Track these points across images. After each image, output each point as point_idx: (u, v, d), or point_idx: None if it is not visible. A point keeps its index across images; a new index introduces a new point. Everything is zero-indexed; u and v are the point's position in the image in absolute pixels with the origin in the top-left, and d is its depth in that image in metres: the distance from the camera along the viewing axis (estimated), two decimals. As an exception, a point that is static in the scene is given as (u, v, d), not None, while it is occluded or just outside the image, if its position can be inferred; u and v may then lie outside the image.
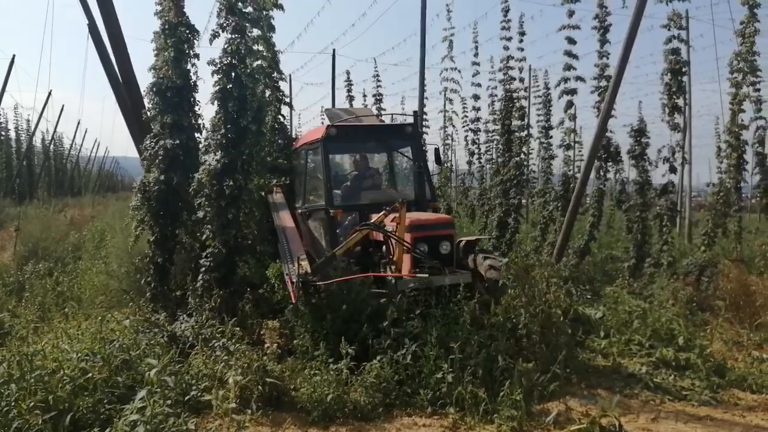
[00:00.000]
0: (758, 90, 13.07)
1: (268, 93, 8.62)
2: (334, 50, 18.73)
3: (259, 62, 7.82)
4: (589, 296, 8.07)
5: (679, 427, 5.02)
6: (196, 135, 8.31)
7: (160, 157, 7.75)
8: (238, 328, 6.25)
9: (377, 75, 19.53)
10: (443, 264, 6.94)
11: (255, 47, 7.56)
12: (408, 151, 9.10)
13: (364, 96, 22.04)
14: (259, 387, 5.12)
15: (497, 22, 14.61)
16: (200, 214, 7.44)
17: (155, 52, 8.25)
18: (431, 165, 9.60)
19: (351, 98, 20.07)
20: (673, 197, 10.74)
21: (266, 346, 6.00)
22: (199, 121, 8.31)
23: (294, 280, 6.46)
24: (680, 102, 9.84)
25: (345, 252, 6.91)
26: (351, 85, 19.65)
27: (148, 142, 7.98)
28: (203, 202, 7.43)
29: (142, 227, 8.07)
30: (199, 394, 4.95)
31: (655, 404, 5.50)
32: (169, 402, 4.23)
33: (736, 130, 10.77)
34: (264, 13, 8.49)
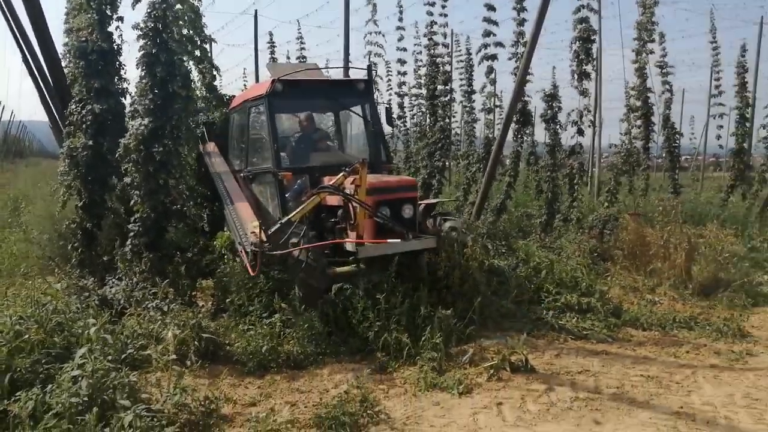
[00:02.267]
0: (664, 56, 14.10)
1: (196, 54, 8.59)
2: (256, 11, 18.42)
3: (185, 30, 7.76)
4: (503, 251, 8.65)
5: (579, 360, 5.66)
6: (122, 100, 8.28)
7: (88, 122, 7.68)
8: (171, 290, 6.45)
9: (301, 37, 19.47)
10: (406, 228, 6.56)
11: (177, 6, 7.49)
12: (361, 109, 8.37)
13: (288, 58, 21.93)
14: (196, 342, 5.39)
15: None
16: (128, 179, 7.46)
17: (69, 11, 8.10)
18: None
19: (274, 60, 19.98)
20: (581, 158, 11.51)
21: (200, 305, 6.22)
22: (125, 86, 8.27)
23: (248, 250, 6.17)
24: (589, 68, 10.47)
25: (300, 218, 6.32)
26: (274, 47, 19.49)
27: (73, 106, 7.87)
28: (130, 167, 7.45)
29: (69, 193, 8.02)
30: (136, 351, 5.20)
31: (559, 343, 6.16)
32: (108, 358, 4.44)
33: (645, 94, 11.62)
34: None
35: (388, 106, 8.82)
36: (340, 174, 6.30)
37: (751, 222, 12.10)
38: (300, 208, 6.25)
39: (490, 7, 12.37)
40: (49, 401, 4.02)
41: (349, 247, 6.42)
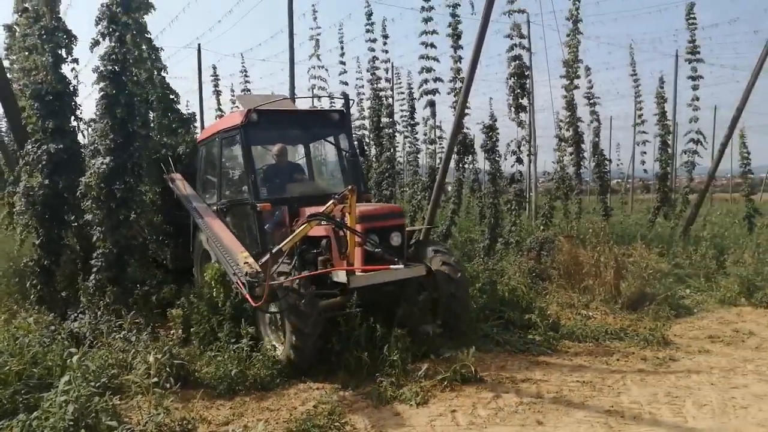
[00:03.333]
0: (590, 87, 15.23)
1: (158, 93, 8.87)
2: (199, 45, 18.81)
3: (146, 70, 8.12)
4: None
5: (522, 370, 6.23)
6: (78, 139, 8.51)
7: (44, 162, 7.88)
8: (140, 320, 6.71)
9: (245, 70, 19.94)
10: (395, 256, 6.40)
11: (138, 53, 7.85)
12: (340, 139, 8.30)
13: (232, 91, 22.32)
14: (167, 369, 5.69)
15: (361, 22, 15.65)
16: (89, 216, 7.68)
17: (19, 50, 8.36)
18: None
19: (218, 93, 20.32)
20: (521, 185, 12.32)
21: (171, 332, 6.51)
22: (81, 125, 8.53)
23: (243, 281, 5.96)
24: (524, 102, 11.32)
25: (290, 248, 6.07)
26: (218, 79, 19.91)
27: (29, 146, 8.06)
28: (90, 205, 7.66)
29: (27, 231, 8.15)
30: (109, 380, 5.46)
31: (504, 356, 6.73)
32: (92, 385, 4.72)
33: (575, 124, 12.54)
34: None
35: (359, 138, 8.78)
36: (330, 202, 6.02)
37: (675, 241, 13.14)
38: (290, 237, 5.98)
39: (429, 45, 13.16)
40: (35, 426, 4.29)
41: (339, 277, 6.26)
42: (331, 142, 8.39)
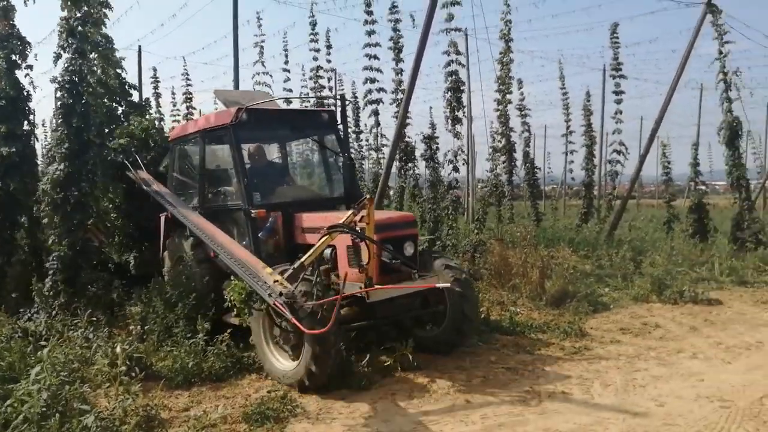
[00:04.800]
0: (522, 100, 16.24)
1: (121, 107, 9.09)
2: (140, 47, 18.80)
3: (101, 79, 8.43)
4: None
5: (455, 360, 6.90)
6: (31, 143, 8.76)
7: None
8: (95, 318, 7.06)
9: (187, 73, 19.95)
10: (409, 267, 6.24)
11: (96, 63, 8.18)
12: (329, 140, 8.03)
13: (173, 93, 22.31)
14: (127, 361, 6.10)
15: (304, 30, 16.13)
16: (45, 220, 7.95)
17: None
18: None
19: (158, 95, 20.26)
20: (457, 192, 13.12)
21: (130, 328, 6.90)
22: (35, 130, 8.77)
23: (278, 303, 5.43)
24: (460, 114, 12.10)
25: (312, 261, 5.76)
26: (158, 81, 19.84)
27: None
28: (46, 209, 7.94)
29: (-22, 232, 8.36)
30: (73, 372, 5.83)
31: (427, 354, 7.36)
32: (62, 375, 5.11)
33: (508, 134, 13.43)
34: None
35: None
36: (350, 212, 5.78)
37: (599, 244, 14.20)
38: (312, 250, 5.71)
39: (372, 57, 13.81)
40: (9, 413, 4.67)
41: (355, 290, 5.88)
42: (320, 143, 8.11)
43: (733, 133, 15.17)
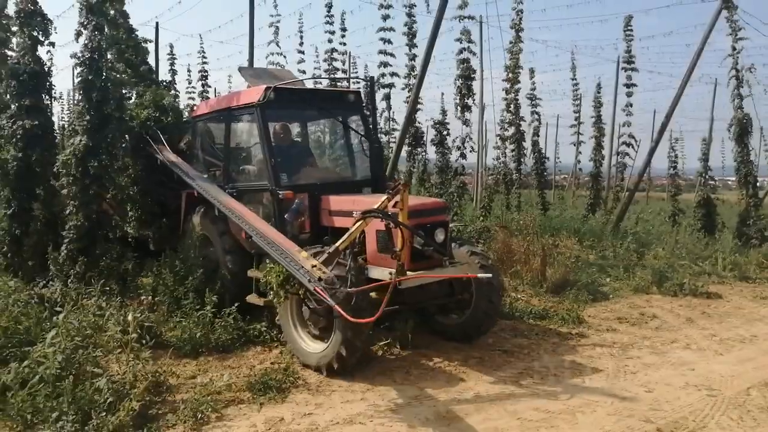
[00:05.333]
0: (533, 89, 16.31)
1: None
2: (157, 23, 18.97)
3: (123, 53, 8.58)
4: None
5: (453, 343, 7.09)
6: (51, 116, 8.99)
7: (18, 136, 8.35)
8: (108, 288, 7.32)
9: (203, 51, 20.13)
10: (441, 254, 6.16)
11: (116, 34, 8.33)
12: (354, 121, 7.95)
13: (189, 71, 22.50)
14: (138, 330, 6.36)
15: (320, 11, 16.21)
16: (64, 191, 8.19)
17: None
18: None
19: (174, 72, 20.47)
20: (465, 178, 13.27)
21: (141, 298, 7.16)
22: (54, 104, 9.00)
23: (317, 289, 5.26)
24: (470, 102, 12.23)
25: (347, 246, 5.62)
26: (174, 59, 20.03)
27: (4, 121, 8.51)
28: (67, 180, 8.17)
29: (-1, 202, 8.62)
30: (86, 339, 6.10)
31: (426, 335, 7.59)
32: (76, 340, 5.38)
33: (518, 122, 13.55)
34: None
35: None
36: (384, 197, 5.69)
37: (605, 235, 14.33)
38: (347, 235, 5.60)
39: (386, 41, 13.93)
40: (27, 373, 4.94)
41: (384, 276, 5.85)
42: (346, 124, 8.03)
43: (742, 130, 15.20)
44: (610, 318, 8.57)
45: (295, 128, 8.57)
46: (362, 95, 7.93)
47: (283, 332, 6.45)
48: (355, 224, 5.64)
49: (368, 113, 7.88)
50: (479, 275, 5.70)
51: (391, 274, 5.70)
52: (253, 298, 7.13)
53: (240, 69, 8.83)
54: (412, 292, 6.03)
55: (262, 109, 6.90)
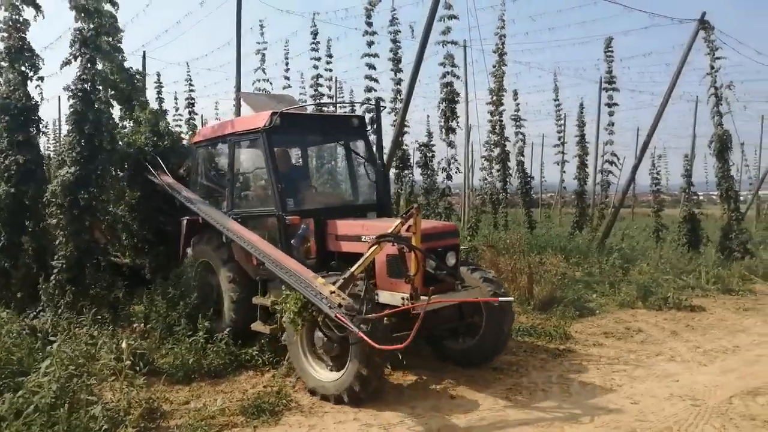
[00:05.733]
0: (517, 110, 16.63)
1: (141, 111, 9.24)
2: (144, 52, 19.18)
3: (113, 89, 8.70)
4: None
5: (441, 362, 7.21)
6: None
7: (11, 172, 8.43)
8: (100, 317, 7.37)
9: (190, 79, 20.31)
10: (452, 278, 6.19)
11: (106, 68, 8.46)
12: (358, 146, 7.96)
13: (176, 99, 22.70)
14: (131, 357, 6.42)
15: (306, 38, 16.46)
16: (53, 221, 8.26)
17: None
18: None
19: (161, 100, 20.62)
20: (451, 199, 13.47)
21: (134, 326, 7.22)
22: (43, 138, 9.10)
23: (337, 316, 5.28)
24: (454, 124, 12.47)
25: (362, 271, 5.73)
26: (161, 87, 20.23)
27: None
28: (55, 210, 8.25)
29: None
30: (80, 367, 6.14)
31: (428, 350, 7.71)
32: (70, 369, 5.44)
33: (502, 143, 13.80)
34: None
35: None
36: (398, 221, 5.76)
37: (591, 252, 14.53)
38: (361, 260, 5.65)
39: (372, 66, 14.19)
40: (21, 403, 4.99)
41: (396, 301, 5.87)
42: (350, 149, 8.01)
43: (723, 146, 15.59)
44: (597, 333, 8.72)
45: (294, 152, 8.56)
46: (365, 120, 7.93)
47: (292, 361, 6.31)
48: (369, 249, 5.68)
49: (374, 136, 7.91)
50: (501, 298, 5.87)
51: (403, 299, 5.74)
52: (258, 326, 7.10)
53: (242, 94, 8.84)
54: (426, 317, 5.71)
55: (268, 134, 6.88)
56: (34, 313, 8.14)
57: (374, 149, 7.81)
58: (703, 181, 28.73)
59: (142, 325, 7.26)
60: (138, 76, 9.31)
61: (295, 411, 5.71)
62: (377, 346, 5.08)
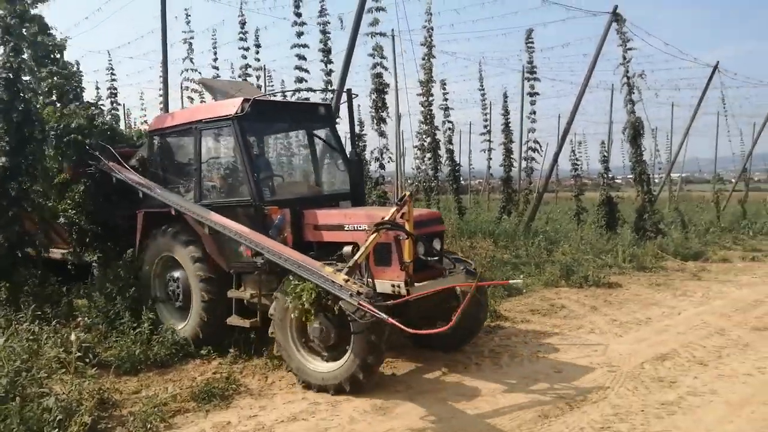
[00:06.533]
0: (446, 99, 17.17)
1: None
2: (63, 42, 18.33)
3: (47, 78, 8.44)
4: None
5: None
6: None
7: None
8: (41, 312, 7.32)
9: (112, 68, 19.64)
10: (439, 264, 6.35)
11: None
12: (325, 134, 7.92)
13: (97, 88, 21.95)
14: (76, 353, 6.47)
15: (234, 27, 16.32)
16: None
17: None
18: None
19: (81, 89, 19.85)
20: (384, 187, 13.84)
21: (78, 320, 7.23)
22: None
23: (365, 302, 5.19)
24: (384, 114, 12.81)
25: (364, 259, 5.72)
26: (81, 76, 19.43)
27: None
28: None
29: None
30: (24, 363, 6.15)
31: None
32: (17, 363, 5.47)
33: (433, 132, 14.27)
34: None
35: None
36: (393, 208, 5.82)
37: (518, 235, 15.28)
38: (363, 248, 5.65)
39: (301, 57, 14.26)
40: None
41: (386, 288, 5.91)
42: (320, 137, 7.97)
43: (635, 132, 16.66)
44: (524, 311, 9.33)
45: (261, 141, 8.34)
46: (332, 108, 7.97)
47: (282, 354, 6.22)
48: (369, 237, 5.70)
49: (346, 125, 7.89)
50: (511, 281, 6.46)
51: (394, 286, 5.84)
52: (235, 320, 6.93)
53: (201, 80, 8.69)
54: (417, 303, 5.90)
55: (240, 122, 6.75)
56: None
57: (343, 138, 7.86)
58: (620, 165, 30.30)
59: (86, 319, 7.26)
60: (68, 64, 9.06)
61: (245, 394, 5.96)
62: (415, 331, 5.23)
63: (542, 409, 5.44)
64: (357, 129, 14.05)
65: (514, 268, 12.18)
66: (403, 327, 5.15)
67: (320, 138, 7.98)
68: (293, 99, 11.02)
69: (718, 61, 21.69)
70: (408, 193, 5.82)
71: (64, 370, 5.76)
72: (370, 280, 5.72)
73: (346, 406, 5.59)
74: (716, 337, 7.78)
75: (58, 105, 8.68)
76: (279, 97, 8.92)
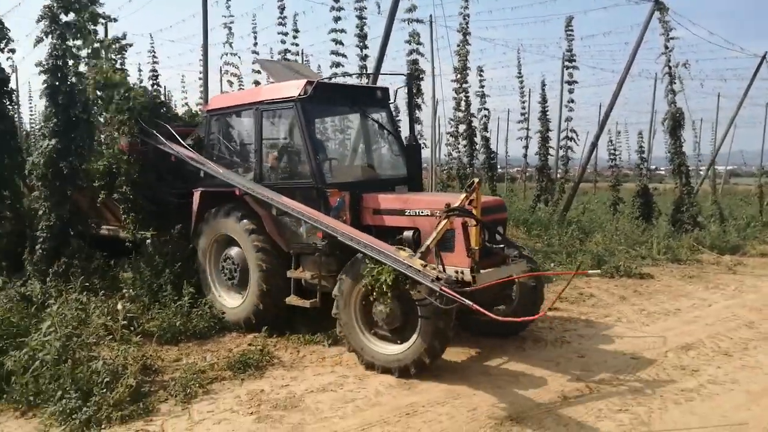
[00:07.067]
0: (482, 86, 17.20)
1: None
2: (106, 23, 18.80)
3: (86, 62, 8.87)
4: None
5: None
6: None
7: None
8: (89, 284, 7.78)
9: (153, 51, 20.12)
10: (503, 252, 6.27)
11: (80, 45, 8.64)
12: (384, 119, 7.91)
13: (140, 70, 22.50)
14: (123, 321, 6.89)
15: (273, 12, 16.60)
16: (36, 193, 8.56)
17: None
18: None
19: (124, 71, 20.31)
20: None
21: (123, 291, 7.66)
22: (16, 108, 9.30)
23: (446, 287, 5.16)
24: (420, 101, 12.94)
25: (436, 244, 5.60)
26: (124, 58, 19.99)
27: None
28: (37, 182, 8.54)
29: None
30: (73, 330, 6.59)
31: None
32: (69, 328, 5.90)
33: (469, 118, 14.37)
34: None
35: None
36: (463, 195, 5.67)
37: (552, 224, 15.30)
38: (435, 233, 5.55)
39: (338, 42, 14.45)
40: (26, 360, 5.45)
41: (455, 274, 5.77)
42: (378, 122, 7.96)
43: (676, 124, 16.42)
44: (553, 298, 9.40)
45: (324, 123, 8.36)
46: (389, 92, 8.00)
47: (346, 335, 6.28)
48: (440, 223, 5.58)
49: (406, 111, 7.89)
50: (589, 271, 6.46)
51: (457, 272, 5.77)
52: (294, 300, 7.06)
53: (258, 60, 8.76)
54: (483, 290, 5.76)
55: (303, 104, 6.78)
56: (21, 281, 8.45)
57: (401, 122, 7.81)
58: (661, 156, 29.76)
59: (131, 290, 7.67)
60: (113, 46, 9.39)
61: (277, 366, 6.29)
62: (500, 318, 5.38)
63: (562, 390, 5.62)
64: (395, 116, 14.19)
65: (545, 256, 12.22)
66: (490, 314, 5.17)
67: (377, 122, 7.98)
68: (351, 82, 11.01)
69: (766, 51, 21.06)
70: (477, 180, 5.77)
71: (110, 336, 6.18)
72: (440, 266, 5.59)
73: (372, 380, 5.87)
74: (744, 329, 7.79)
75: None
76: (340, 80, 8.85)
